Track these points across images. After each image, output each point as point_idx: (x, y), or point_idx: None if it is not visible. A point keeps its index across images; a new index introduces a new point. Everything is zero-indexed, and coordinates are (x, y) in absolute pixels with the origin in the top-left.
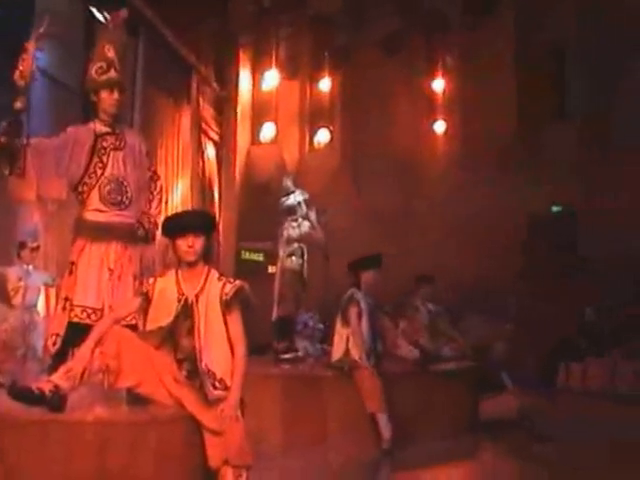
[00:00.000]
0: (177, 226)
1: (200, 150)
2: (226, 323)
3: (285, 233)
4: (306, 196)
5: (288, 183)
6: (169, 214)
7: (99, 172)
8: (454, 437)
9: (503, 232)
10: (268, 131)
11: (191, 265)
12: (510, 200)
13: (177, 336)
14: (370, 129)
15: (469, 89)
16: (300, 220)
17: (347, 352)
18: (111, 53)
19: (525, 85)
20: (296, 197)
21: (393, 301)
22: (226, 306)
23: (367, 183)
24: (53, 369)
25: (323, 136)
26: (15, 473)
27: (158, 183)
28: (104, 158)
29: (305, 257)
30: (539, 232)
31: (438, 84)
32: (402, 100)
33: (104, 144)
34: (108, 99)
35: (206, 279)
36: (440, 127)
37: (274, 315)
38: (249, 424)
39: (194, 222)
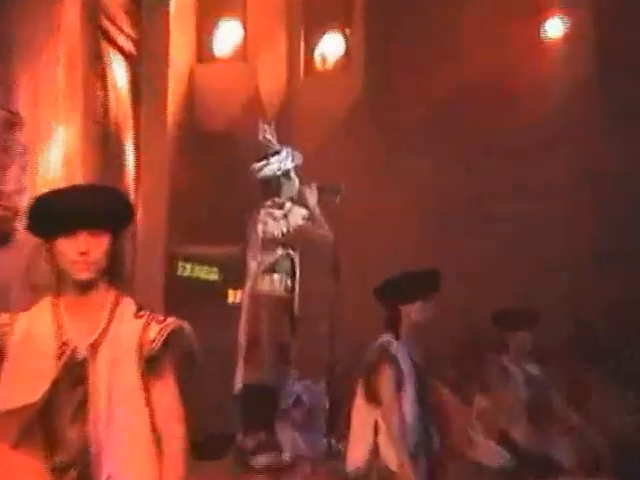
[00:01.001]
0: (57, 215)
1: (99, 68)
2: (149, 395)
3: (260, 229)
4: (299, 160)
5: (267, 135)
6: (40, 192)
7: None
8: None
9: None
10: (229, 36)
11: (84, 288)
12: None
13: (56, 422)
14: (420, 35)
15: None
16: (288, 205)
17: (376, 452)
18: None
19: None
20: (281, 162)
21: (460, 357)
22: (150, 364)
23: (411, 136)
24: None
25: (332, 46)
26: None
27: (19, 134)
28: None
29: (297, 274)
30: None
31: None
32: None
33: None
34: None
35: (111, 315)
36: (555, 28)
37: (238, 382)
38: None
39: (88, 208)
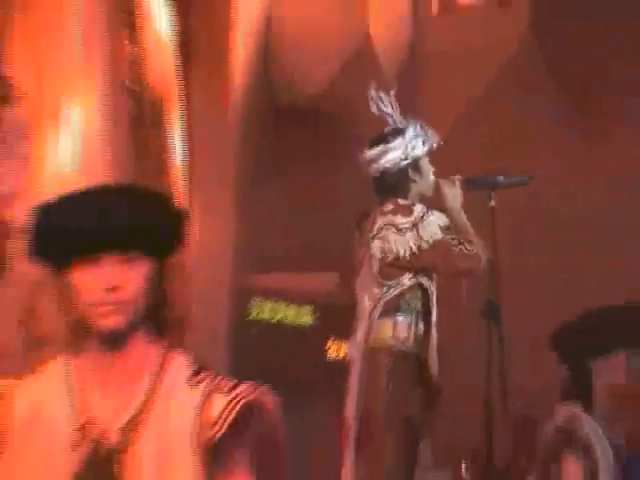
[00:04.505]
0: (71, 232)
1: (129, 14)
2: None
3: (376, 248)
4: (434, 142)
5: (384, 106)
6: (47, 198)
7: None
8: None
9: None
10: None
11: (113, 342)
12: None
13: None
14: None
15: None
16: (419, 210)
17: None
18: None
19: None
20: (408, 146)
21: None
22: (216, 455)
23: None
24: None
25: None
26: None
27: (15, 112)
28: None
29: (433, 315)
30: None
31: None
32: None
33: None
34: None
35: (156, 382)
36: None
37: None
38: None
39: (118, 221)
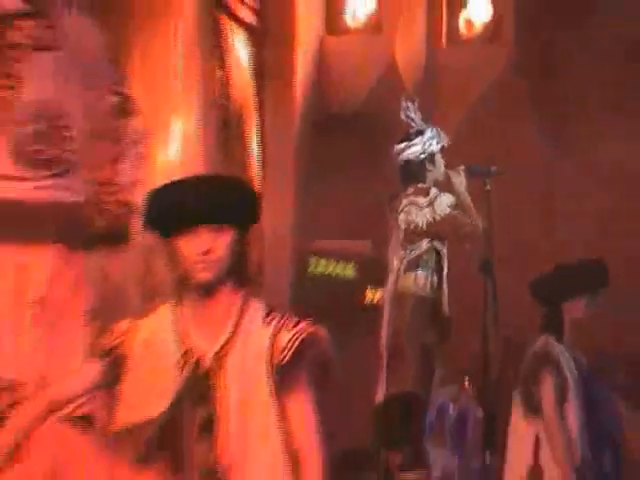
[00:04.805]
0: (175, 210)
1: (218, 48)
2: (282, 411)
3: (402, 220)
4: (445, 141)
5: (410, 113)
6: (158, 185)
7: (7, 97)
8: None
9: None
10: (363, 2)
11: (207, 291)
12: None
13: (180, 440)
14: None
15: None
16: (434, 192)
17: (536, 473)
18: None
19: None
20: (426, 143)
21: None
22: (283, 376)
23: (584, 113)
24: None
25: (479, 10)
26: None
27: (135, 122)
28: (15, 67)
29: (444, 269)
30: None
31: None
32: None
33: (15, 38)
34: None
35: (239, 321)
36: None
37: (380, 394)
38: None
39: (210, 201)
